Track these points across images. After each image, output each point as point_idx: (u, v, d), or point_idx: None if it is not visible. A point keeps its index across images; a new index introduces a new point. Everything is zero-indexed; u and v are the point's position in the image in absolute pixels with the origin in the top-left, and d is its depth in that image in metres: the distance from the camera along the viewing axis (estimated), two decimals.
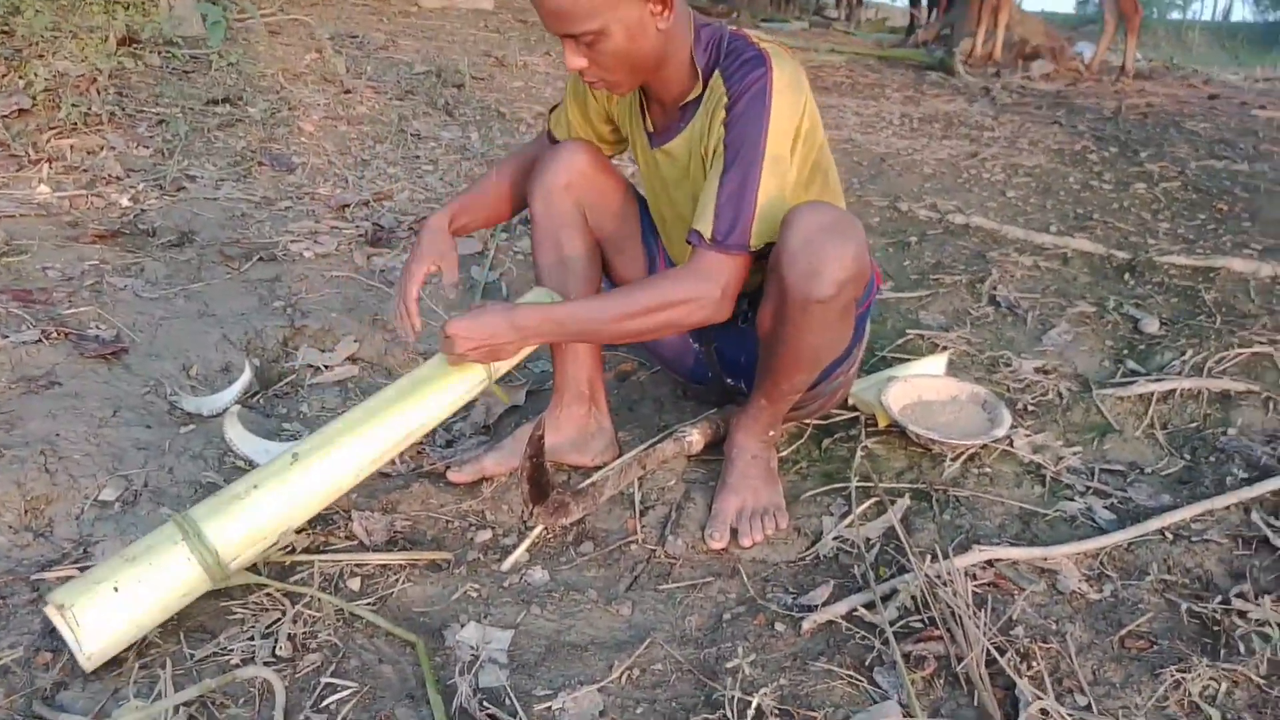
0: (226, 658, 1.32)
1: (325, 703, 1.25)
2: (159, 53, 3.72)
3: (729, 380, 1.87)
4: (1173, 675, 1.36)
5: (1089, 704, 1.31)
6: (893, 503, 1.73)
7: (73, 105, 3.06)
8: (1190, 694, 1.33)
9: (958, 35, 7.66)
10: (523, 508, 1.60)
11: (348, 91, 3.82)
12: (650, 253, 1.83)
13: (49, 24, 3.44)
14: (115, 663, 1.29)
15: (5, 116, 2.98)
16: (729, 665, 1.36)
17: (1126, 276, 2.78)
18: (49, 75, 3.18)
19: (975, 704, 1.31)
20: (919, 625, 1.44)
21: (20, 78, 3.19)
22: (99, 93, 3.26)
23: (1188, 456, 1.94)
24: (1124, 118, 5.14)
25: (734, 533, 1.64)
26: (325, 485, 1.44)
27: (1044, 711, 1.29)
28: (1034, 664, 1.37)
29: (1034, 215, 3.36)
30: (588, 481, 1.64)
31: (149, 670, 1.29)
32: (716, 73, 1.50)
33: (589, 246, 1.75)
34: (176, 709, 1.21)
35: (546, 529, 1.64)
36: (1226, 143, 4.58)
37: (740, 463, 1.71)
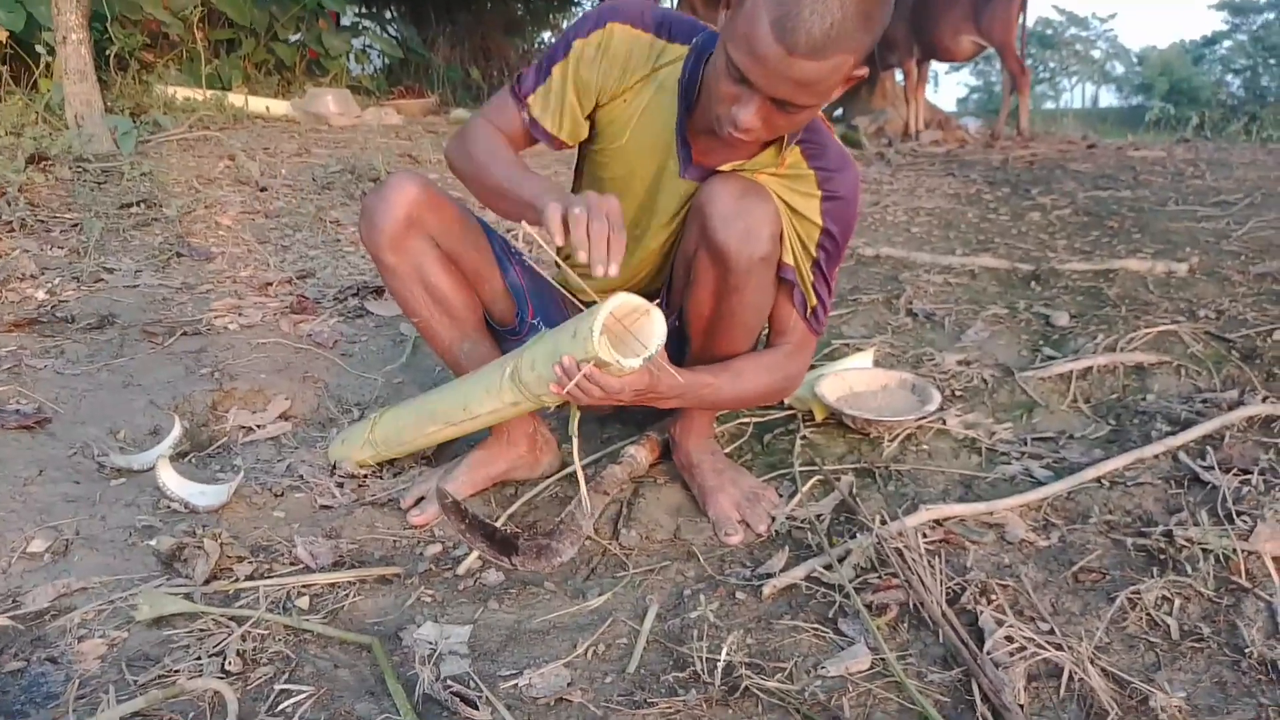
0: (172, 679, 1.25)
1: (281, 707, 1.20)
2: (70, 167, 3.72)
3: None
4: (1128, 597, 1.39)
5: (1052, 629, 1.32)
6: (838, 480, 1.75)
7: None
8: (1147, 609, 1.36)
9: (851, 112, 8.05)
10: (506, 563, 1.52)
11: (263, 189, 3.84)
12: (511, 280, 1.70)
13: None
14: (54, 696, 1.22)
15: None
16: (694, 631, 1.34)
17: (1033, 284, 2.90)
18: None
19: (941, 641, 1.32)
20: (877, 581, 1.44)
21: None
22: (9, 204, 3.23)
23: (1113, 421, 2.01)
24: (1011, 166, 5.43)
25: (745, 525, 1.64)
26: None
27: (1009, 638, 1.30)
28: (994, 597, 1.38)
29: (939, 244, 3.51)
30: (558, 519, 1.61)
31: (89, 699, 1.22)
32: (796, 148, 1.48)
33: (456, 276, 1.62)
34: None
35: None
36: (1109, 177, 4.87)
37: (706, 465, 1.72)
